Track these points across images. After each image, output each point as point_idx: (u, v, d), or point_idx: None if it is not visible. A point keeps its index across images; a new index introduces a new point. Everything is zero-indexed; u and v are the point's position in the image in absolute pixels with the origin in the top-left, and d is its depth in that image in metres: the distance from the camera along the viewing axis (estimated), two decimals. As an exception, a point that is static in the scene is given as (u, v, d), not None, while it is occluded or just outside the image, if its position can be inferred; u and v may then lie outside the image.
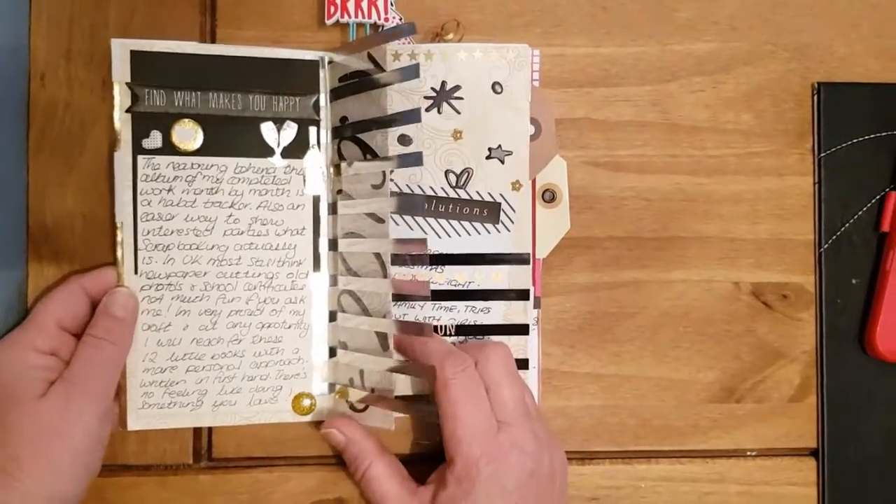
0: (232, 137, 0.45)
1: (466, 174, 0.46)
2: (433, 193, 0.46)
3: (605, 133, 0.48)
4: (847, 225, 0.48)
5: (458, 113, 0.46)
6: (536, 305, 0.47)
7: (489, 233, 0.46)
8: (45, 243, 0.45)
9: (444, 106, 0.46)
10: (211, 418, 0.45)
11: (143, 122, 0.44)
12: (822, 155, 0.48)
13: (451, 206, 0.46)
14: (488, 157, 0.46)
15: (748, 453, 0.48)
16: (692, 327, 0.48)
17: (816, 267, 0.49)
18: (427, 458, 0.45)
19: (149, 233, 0.44)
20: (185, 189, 0.44)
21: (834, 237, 0.48)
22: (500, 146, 0.46)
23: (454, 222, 0.46)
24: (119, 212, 0.44)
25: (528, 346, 0.46)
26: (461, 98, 0.46)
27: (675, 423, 0.48)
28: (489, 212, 0.46)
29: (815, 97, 0.49)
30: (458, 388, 0.40)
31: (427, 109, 0.46)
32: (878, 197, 0.48)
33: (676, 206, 0.48)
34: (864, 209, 0.48)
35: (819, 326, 0.48)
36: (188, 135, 0.44)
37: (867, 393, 0.48)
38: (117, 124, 0.44)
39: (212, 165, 0.45)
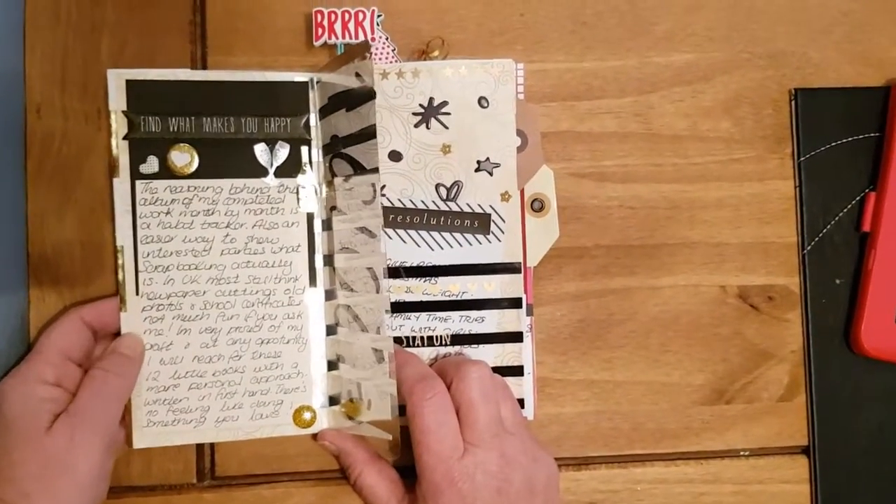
0: (226, 159, 0.46)
1: (456, 187, 0.47)
2: (424, 207, 0.47)
3: (588, 145, 0.49)
4: (829, 226, 0.50)
5: (447, 128, 0.47)
6: (529, 313, 0.48)
7: (480, 243, 0.47)
8: (45, 271, 0.46)
9: (433, 121, 0.47)
10: (214, 434, 0.46)
11: (140, 148, 0.45)
12: (802, 159, 0.50)
13: (442, 219, 0.47)
14: (477, 170, 0.47)
15: (741, 453, 0.49)
16: (681, 331, 0.49)
17: (800, 268, 0.50)
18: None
19: (149, 255, 0.45)
20: (183, 211, 0.45)
21: (816, 239, 0.50)
22: (488, 159, 0.47)
23: (446, 234, 0.47)
24: (119, 235, 0.45)
25: (522, 353, 0.47)
26: (449, 113, 0.47)
27: (668, 426, 0.49)
28: (480, 223, 0.47)
29: (793, 103, 0.50)
30: (425, 416, 0.42)
31: (416, 125, 0.47)
32: (857, 198, 0.49)
33: (661, 214, 0.49)
34: (845, 210, 0.49)
35: (805, 326, 0.49)
36: (184, 158, 0.45)
37: (855, 390, 0.49)
38: (115, 151, 0.45)
39: (207, 187, 0.46)
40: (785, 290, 0.50)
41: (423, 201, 0.47)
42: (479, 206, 0.47)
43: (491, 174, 0.47)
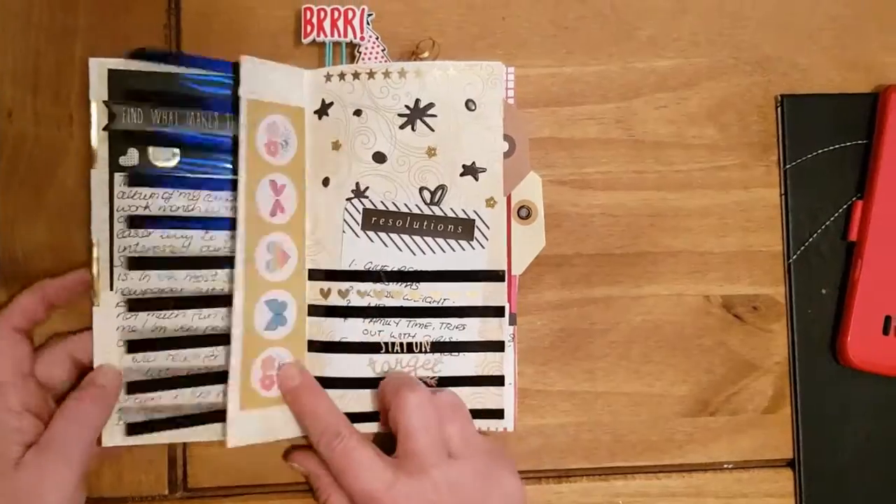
0: (208, 155, 0.45)
1: (441, 191, 0.46)
2: (407, 210, 0.46)
3: (570, 151, 0.48)
4: (815, 235, 0.49)
5: (432, 130, 0.46)
6: (512, 322, 0.47)
7: (464, 250, 0.46)
8: (16, 277, 0.45)
9: (418, 123, 0.46)
10: (187, 434, 0.44)
11: (120, 140, 0.44)
12: (788, 167, 0.49)
13: (425, 223, 0.46)
14: (462, 174, 0.46)
15: (725, 466, 0.48)
16: (664, 342, 0.48)
17: (786, 278, 0.49)
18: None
19: (125, 249, 0.44)
20: (162, 206, 0.44)
21: (802, 248, 0.49)
22: (473, 163, 0.46)
23: (429, 239, 0.46)
24: (95, 229, 0.44)
25: (503, 363, 0.46)
26: (435, 115, 0.46)
27: (650, 438, 0.48)
28: (463, 229, 0.46)
29: (779, 109, 0.49)
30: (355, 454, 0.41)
31: (401, 127, 0.46)
32: (844, 206, 0.49)
33: (644, 222, 0.48)
34: (831, 219, 0.49)
35: (791, 337, 0.49)
36: (165, 153, 0.44)
37: (841, 402, 0.48)
38: (94, 142, 0.43)
39: (188, 182, 0.45)
40: (770, 300, 0.49)
41: (406, 204, 0.46)
42: (464, 211, 0.46)
43: (476, 179, 0.46)
